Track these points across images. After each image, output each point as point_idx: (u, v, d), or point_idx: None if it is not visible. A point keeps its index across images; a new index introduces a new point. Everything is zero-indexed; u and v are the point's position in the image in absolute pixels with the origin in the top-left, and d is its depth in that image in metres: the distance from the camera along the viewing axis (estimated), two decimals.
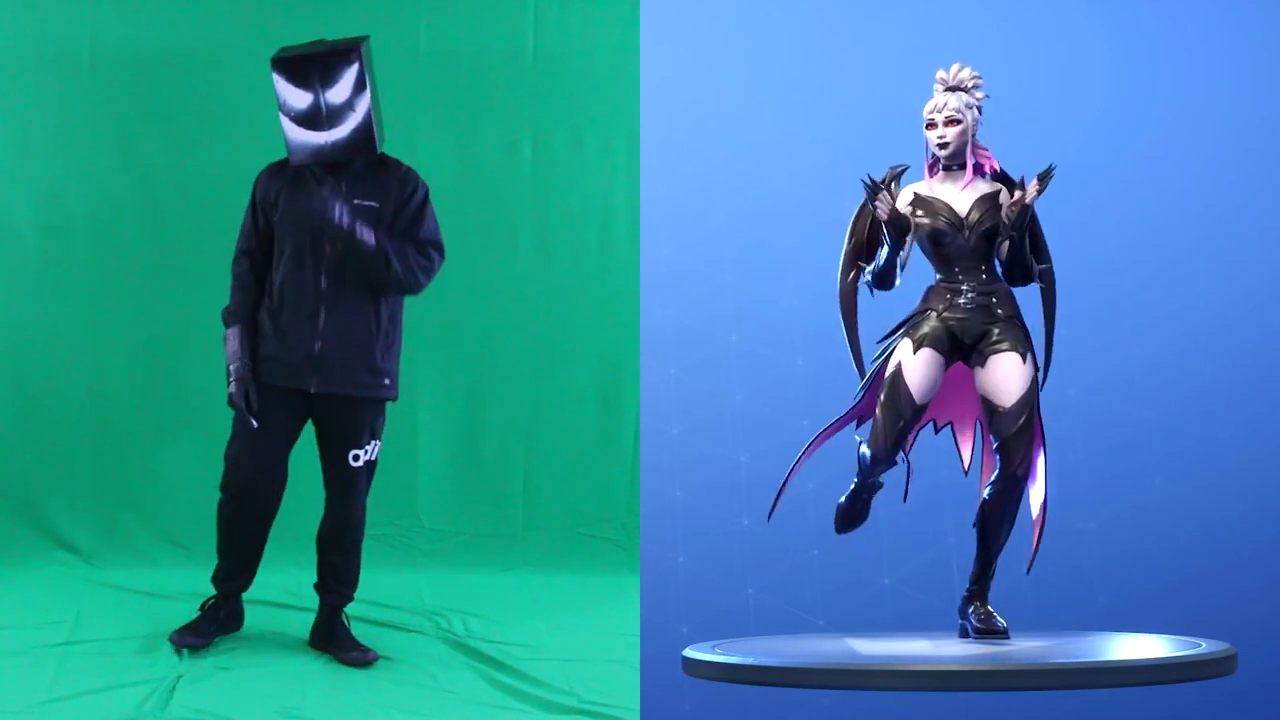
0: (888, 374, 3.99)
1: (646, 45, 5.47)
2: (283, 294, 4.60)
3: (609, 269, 6.02)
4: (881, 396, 3.99)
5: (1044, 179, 3.87)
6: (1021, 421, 3.91)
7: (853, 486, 4.12)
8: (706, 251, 5.43)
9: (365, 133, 4.53)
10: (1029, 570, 3.98)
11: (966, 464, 4.12)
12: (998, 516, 3.97)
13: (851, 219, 4.14)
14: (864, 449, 4.04)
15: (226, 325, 4.64)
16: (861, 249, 4.11)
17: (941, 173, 4.04)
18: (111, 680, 4.45)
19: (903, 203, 4.02)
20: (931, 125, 4.01)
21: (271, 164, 4.70)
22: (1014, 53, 5.34)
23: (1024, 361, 3.95)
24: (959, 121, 3.99)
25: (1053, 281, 4.06)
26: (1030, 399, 3.93)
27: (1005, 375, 3.94)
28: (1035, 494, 3.98)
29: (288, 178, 4.63)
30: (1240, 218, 5.31)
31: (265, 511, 4.69)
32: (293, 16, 5.54)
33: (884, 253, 3.99)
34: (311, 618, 4.96)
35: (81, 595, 5.38)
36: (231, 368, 4.59)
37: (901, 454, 4.05)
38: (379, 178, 4.64)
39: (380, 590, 5.28)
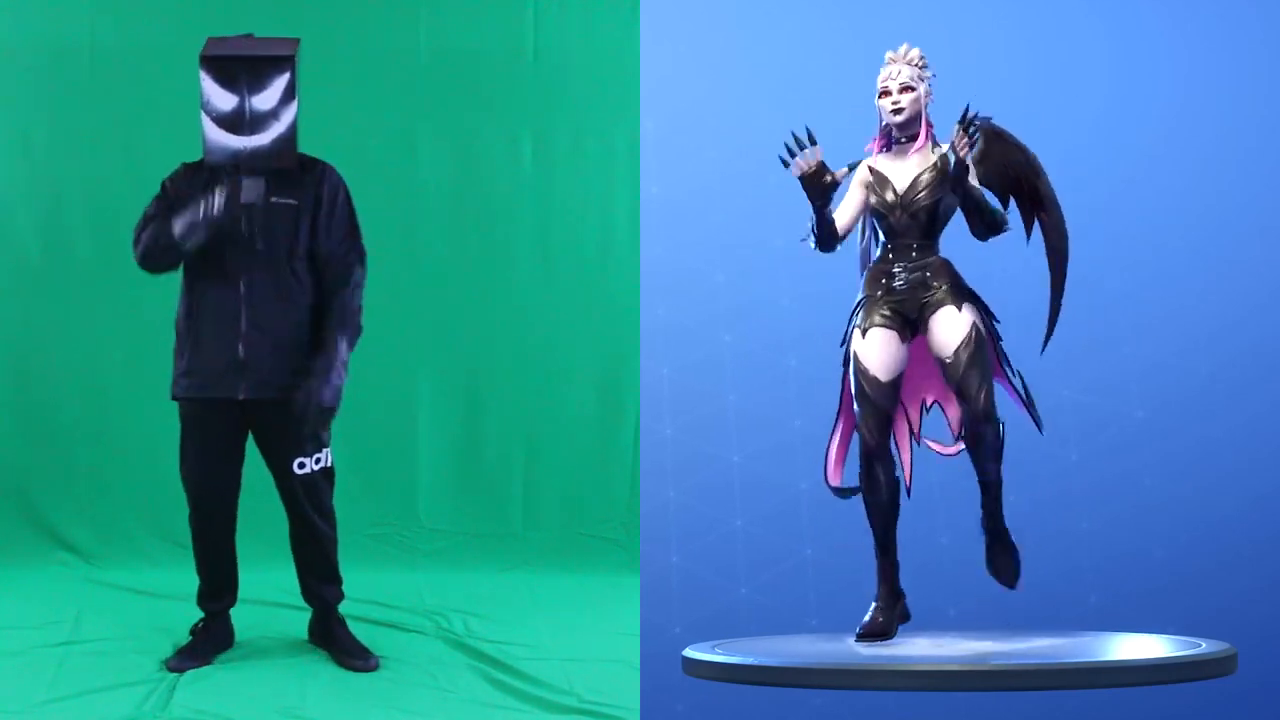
0: (851, 371, 4.02)
1: (646, 45, 5.47)
2: (200, 302, 4.47)
3: (609, 269, 6.02)
4: (853, 393, 4.01)
5: (968, 127, 3.86)
6: (965, 359, 3.91)
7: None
8: (705, 251, 5.43)
9: (287, 143, 4.39)
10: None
11: (956, 431, 4.10)
12: (979, 451, 3.96)
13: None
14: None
15: (173, 214, 4.40)
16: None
17: (893, 147, 4.06)
18: (111, 680, 4.45)
19: (860, 175, 4.06)
20: (885, 93, 4.03)
21: (187, 163, 4.56)
22: (1014, 53, 5.34)
23: (959, 310, 3.95)
24: (912, 89, 4.02)
25: (1063, 234, 4.05)
26: (971, 338, 3.93)
27: (943, 328, 3.96)
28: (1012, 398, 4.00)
29: (201, 178, 4.46)
30: (1240, 218, 5.31)
31: (225, 526, 4.66)
32: (293, 17, 5.54)
33: (814, 220, 4.02)
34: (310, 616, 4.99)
35: (81, 595, 5.38)
36: (211, 203, 4.37)
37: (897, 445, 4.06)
38: (295, 174, 4.48)
39: (380, 590, 5.28)
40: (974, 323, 3.95)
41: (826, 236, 4.05)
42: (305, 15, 5.58)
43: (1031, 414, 4.01)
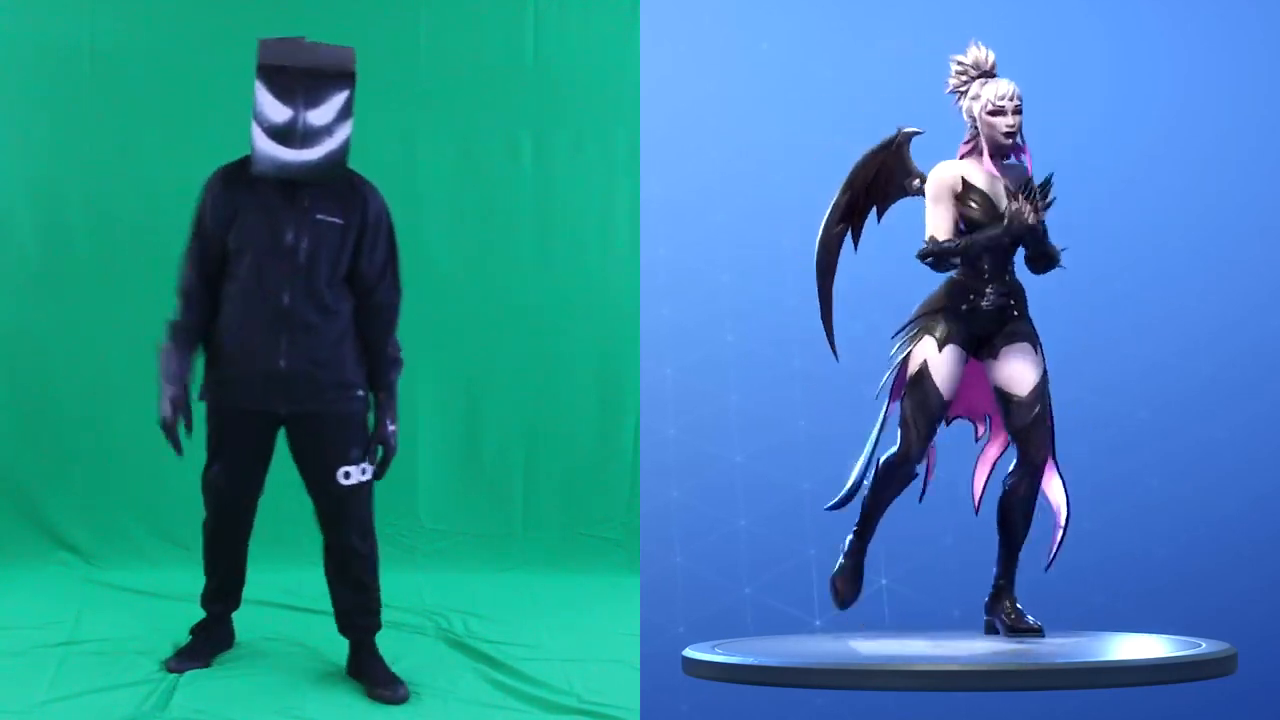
0: (911, 373, 3.96)
1: (646, 45, 5.47)
2: (243, 311, 4.37)
3: (609, 269, 6.02)
4: (908, 399, 3.96)
5: (1037, 192, 3.84)
6: (1037, 410, 3.92)
7: (850, 540, 4.11)
8: (706, 251, 5.43)
9: (338, 161, 4.30)
10: (1048, 568, 3.99)
11: (980, 433, 4.11)
12: (1021, 507, 3.97)
13: (850, 171, 4.08)
14: (883, 458, 4.01)
15: (168, 338, 4.41)
16: (856, 204, 4.06)
17: (974, 158, 3.98)
18: (111, 680, 4.45)
19: (951, 180, 3.93)
20: (1000, 112, 3.92)
21: (225, 169, 4.43)
22: (1014, 53, 5.32)
23: (1035, 352, 3.95)
24: (1022, 111, 3.94)
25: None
26: (1043, 389, 3.94)
27: (1019, 365, 3.94)
28: (1055, 491, 3.98)
29: (244, 186, 4.36)
30: (1240, 218, 5.31)
31: (243, 533, 4.63)
32: (293, 17, 5.53)
33: (983, 246, 3.90)
34: (311, 617, 4.98)
35: (81, 595, 5.38)
36: (166, 388, 4.35)
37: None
38: (343, 193, 4.38)
39: (380, 590, 5.27)
40: (1045, 370, 3.95)
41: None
42: (305, 16, 5.57)
43: (1065, 491, 4.02)
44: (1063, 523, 3.99)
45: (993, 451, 4.09)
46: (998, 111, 3.91)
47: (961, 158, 3.99)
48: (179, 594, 5.25)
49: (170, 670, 4.54)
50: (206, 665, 4.60)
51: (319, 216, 4.34)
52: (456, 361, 6.06)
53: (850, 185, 4.07)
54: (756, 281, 5.38)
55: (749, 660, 3.74)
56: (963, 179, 3.95)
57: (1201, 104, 5.33)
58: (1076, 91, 5.34)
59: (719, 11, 5.57)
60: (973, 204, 3.94)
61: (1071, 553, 4.95)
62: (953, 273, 3.98)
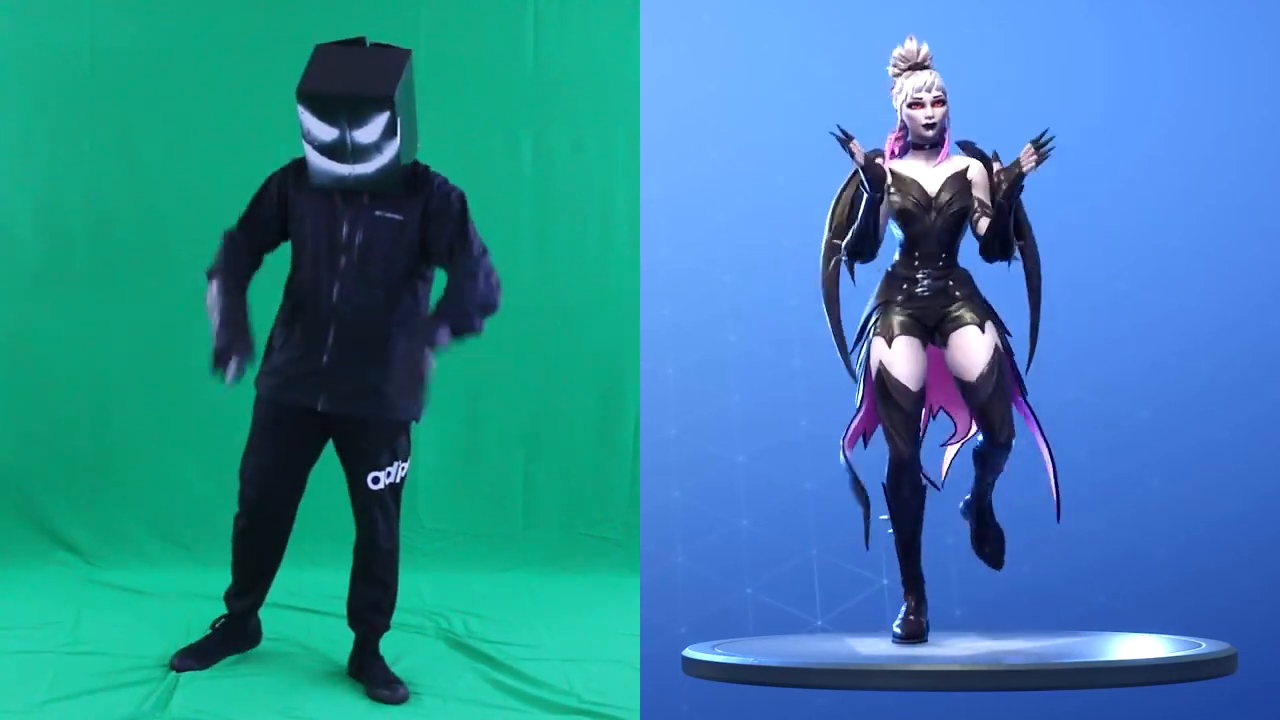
0: (873, 377, 3.98)
1: (646, 45, 5.47)
2: (297, 305, 4.39)
3: (609, 269, 6.02)
4: (880, 405, 3.96)
5: (1041, 147, 3.83)
6: (991, 387, 3.90)
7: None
8: (707, 251, 5.43)
9: (392, 174, 4.29)
10: (1058, 519, 4.00)
11: (970, 433, 4.10)
12: (988, 469, 4.00)
13: (830, 207, 4.11)
14: (884, 482, 4.02)
15: (209, 279, 4.35)
16: (841, 236, 4.07)
17: (911, 150, 4.01)
18: (111, 680, 4.45)
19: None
20: (918, 104, 3.97)
21: (300, 159, 4.41)
22: (1014, 53, 5.35)
23: (983, 331, 3.94)
24: (944, 102, 3.98)
25: (1036, 259, 4.03)
26: (995, 364, 3.91)
27: (967, 349, 3.94)
28: (1041, 451, 3.99)
29: (310, 182, 4.38)
30: (1240, 218, 5.31)
31: (277, 530, 4.56)
32: (294, 17, 5.54)
33: (861, 212, 3.93)
34: (311, 617, 4.98)
35: (81, 595, 5.37)
36: (214, 317, 4.27)
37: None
38: (405, 189, 4.38)
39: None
40: (996, 345, 3.93)
41: (873, 238, 3.96)
42: (305, 17, 5.57)
43: (1045, 444, 4.00)
44: (1051, 471, 3.98)
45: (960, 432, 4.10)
46: (916, 104, 3.97)
47: (892, 153, 4.02)
48: (179, 594, 5.25)
49: (172, 668, 4.54)
50: (205, 667, 4.57)
51: (377, 213, 4.35)
52: (456, 361, 6.04)
53: (833, 218, 4.11)
54: (757, 281, 5.38)
55: (749, 660, 3.74)
56: (891, 173, 3.98)
57: (1201, 104, 5.34)
58: (1076, 91, 5.35)
59: (719, 11, 5.58)
60: (905, 194, 3.95)
61: (1072, 553, 4.96)
62: (889, 266, 4.02)
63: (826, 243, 4.12)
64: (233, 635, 4.67)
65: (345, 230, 4.34)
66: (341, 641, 4.63)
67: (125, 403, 5.86)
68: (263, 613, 4.82)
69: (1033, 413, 4.00)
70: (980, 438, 4.00)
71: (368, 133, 4.25)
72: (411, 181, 4.40)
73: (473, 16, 5.96)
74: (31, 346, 5.86)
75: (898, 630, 3.99)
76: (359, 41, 4.45)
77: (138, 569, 5.64)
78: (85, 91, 5.84)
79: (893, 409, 3.94)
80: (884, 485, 4.00)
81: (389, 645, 4.65)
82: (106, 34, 5.82)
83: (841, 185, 4.11)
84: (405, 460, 4.50)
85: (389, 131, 4.25)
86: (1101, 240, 5.21)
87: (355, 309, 4.34)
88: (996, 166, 3.96)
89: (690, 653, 3.89)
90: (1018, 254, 3.99)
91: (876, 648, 3.95)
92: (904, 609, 4.02)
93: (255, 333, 4.35)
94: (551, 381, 6.07)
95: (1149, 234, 5.29)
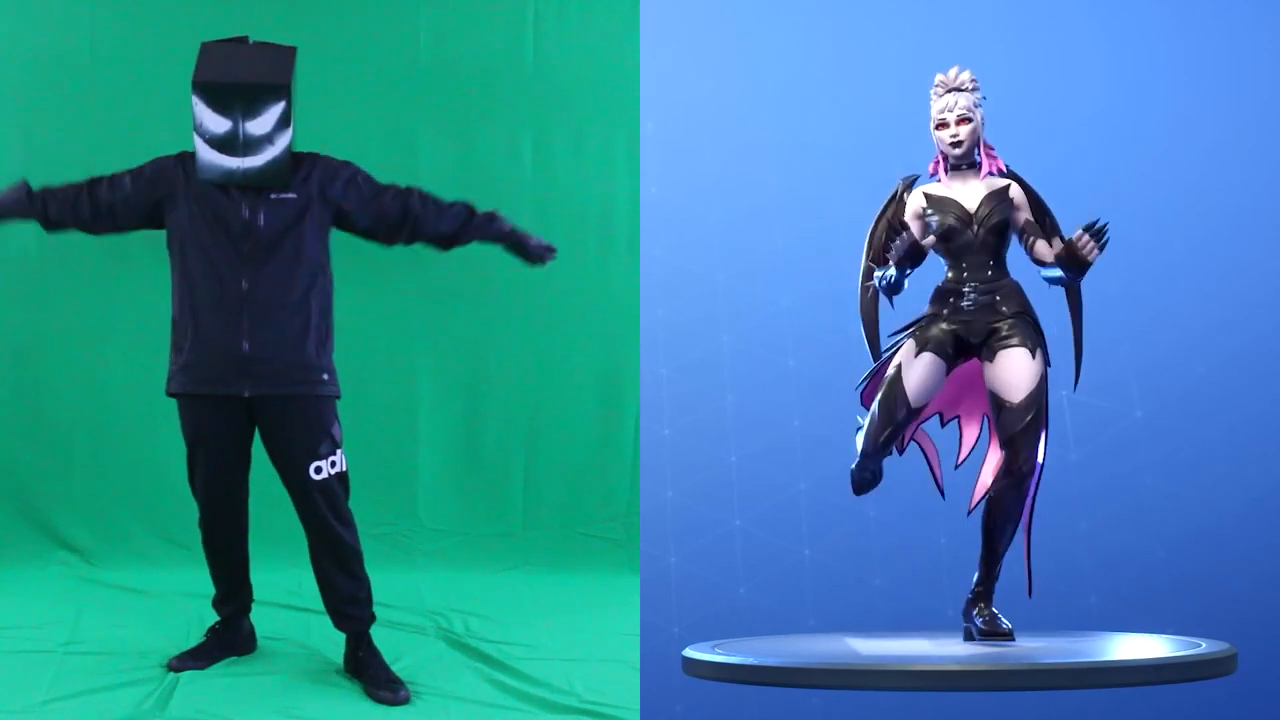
0: (888, 374, 4.01)
1: (646, 45, 5.47)
2: (199, 295, 4.36)
3: (609, 269, 6.02)
4: (879, 394, 4.01)
5: (1099, 237, 3.85)
6: (1029, 418, 3.91)
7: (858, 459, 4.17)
8: (705, 251, 5.43)
9: (281, 166, 4.35)
10: (1029, 593, 3.99)
11: (962, 457, 4.11)
12: (1002, 513, 3.96)
13: (869, 231, 4.16)
14: (857, 439, 4.06)
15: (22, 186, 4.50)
16: (878, 261, 4.11)
17: (950, 172, 4.05)
18: (111, 680, 4.45)
19: (914, 205, 4.05)
20: (943, 125, 4.02)
21: (186, 153, 4.47)
22: (1014, 53, 5.34)
23: (1033, 358, 3.95)
24: (970, 120, 4.01)
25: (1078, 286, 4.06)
26: (1038, 396, 3.93)
27: (1013, 371, 3.94)
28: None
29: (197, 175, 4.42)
30: (1240, 218, 5.31)
31: (235, 531, 4.61)
32: (294, 18, 5.54)
33: (892, 272, 3.97)
34: (311, 617, 4.97)
35: (81, 595, 5.38)
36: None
37: (896, 450, 4.08)
38: (293, 171, 4.42)
39: (380, 590, 5.25)
40: (1043, 374, 3.94)
41: (898, 288, 4.02)
42: (305, 18, 5.58)
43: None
44: (1027, 546, 4.00)
45: (995, 456, 4.08)
46: (940, 125, 4.04)
47: (932, 174, 4.09)
48: (179, 594, 5.25)
49: (171, 669, 4.55)
50: (204, 667, 4.59)
51: (273, 195, 4.38)
52: (456, 361, 6.06)
53: (870, 244, 4.15)
54: (754, 282, 5.38)
55: (748, 660, 3.74)
56: (924, 195, 4.05)
57: (1201, 104, 5.34)
58: (1077, 92, 5.34)
59: (719, 11, 5.57)
60: (945, 213, 4.00)
61: (1071, 553, 4.96)
62: (939, 281, 4.06)
63: (865, 269, 4.16)
64: (228, 641, 4.71)
65: (246, 216, 4.36)
66: (341, 640, 4.62)
67: (125, 403, 5.86)
68: (260, 613, 4.83)
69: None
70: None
71: (261, 124, 4.31)
72: (292, 163, 4.42)
73: (473, 16, 5.96)
74: (32, 347, 5.86)
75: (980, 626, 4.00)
76: (243, 39, 4.52)
77: (138, 569, 5.64)
78: (85, 92, 5.84)
79: (885, 411, 3.99)
80: (850, 472, 4.10)
81: (389, 645, 4.65)
82: (106, 34, 5.82)
83: (880, 210, 4.15)
84: (341, 446, 4.46)
85: (283, 122, 4.32)
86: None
87: (268, 291, 4.35)
88: (1016, 192, 4.00)
89: (690, 652, 3.90)
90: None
91: (876, 648, 3.95)
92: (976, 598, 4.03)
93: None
94: (551, 381, 6.07)
95: (1149, 234, 5.29)
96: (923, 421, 4.12)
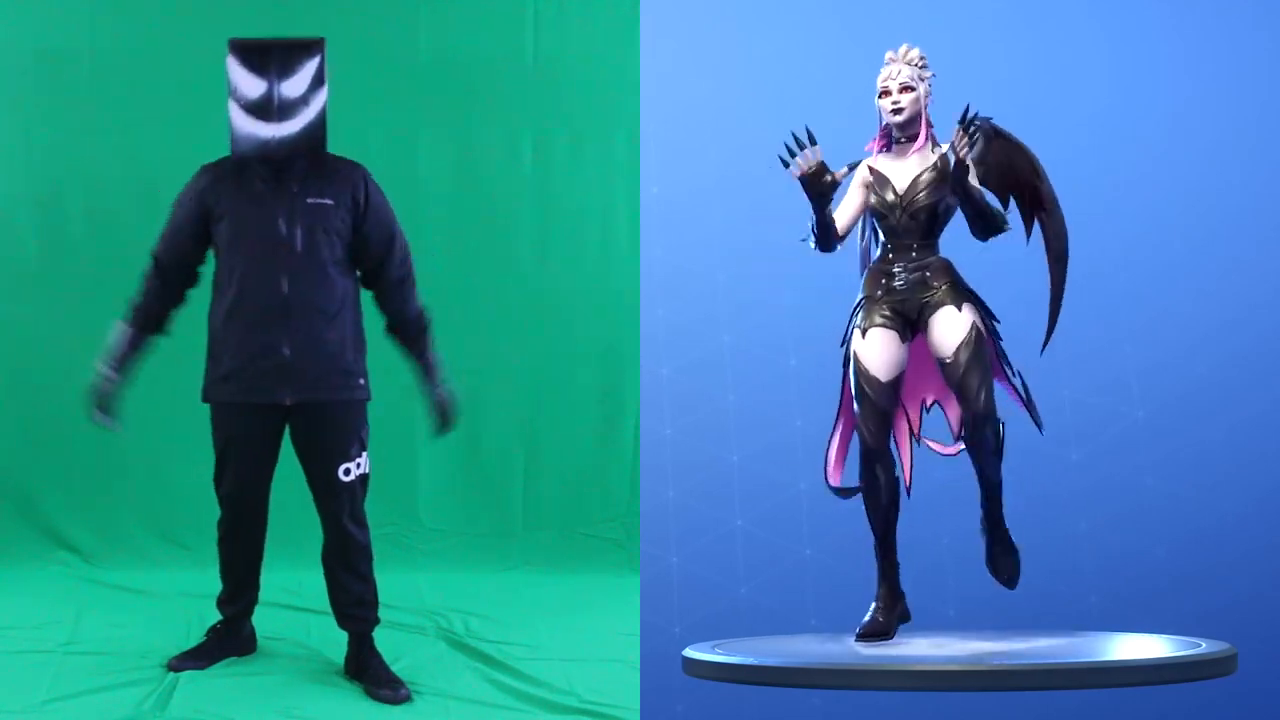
0: (851, 371, 4.02)
1: (646, 45, 5.47)
2: (239, 304, 4.37)
3: (609, 269, 6.02)
4: (856, 396, 4.01)
5: (969, 128, 3.84)
6: (965, 359, 3.91)
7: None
8: (705, 251, 5.43)
9: (317, 130, 4.33)
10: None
11: (957, 432, 4.10)
12: (979, 452, 3.96)
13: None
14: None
15: (125, 319, 4.50)
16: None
17: (894, 147, 4.06)
18: (111, 680, 4.45)
19: (860, 176, 4.07)
20: (885, 93, 4.03)
21: (210, 166, 4.47)
22: (1014, 53, 5.35)
23: (959, 310, 3.96)
24: (912, 89, 4.02)
25: (1059, 231, 4.04)
26: (970, 339, 3.93)
27: (942, 329, 3.96)
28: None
29: (232, 181, 4.40)
30: (1241, 218, 5.31)
31: (259, 530, 4.62)
32: (293, 18, 5.54)
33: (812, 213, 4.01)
34: (311, 617, 4.97)
35: (81, 595, 5.38)
36: (101, 367, 4.45)
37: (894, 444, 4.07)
38: (327, 174, 4.41)
39: (380, 590, 5.27)
40: (974, 322, 3.95)
41: (826, 237, 4.05)
42: (306, 18, 5.57)
43: (1032, 414, 4.01)
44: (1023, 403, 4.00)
45: (954, 412, 4.07)
46: (883, 93, 4.05)
47: (868, 150, 4.10)
48: (179, 594, 5.26)
49: (171, 669, 4.55)
50: (204, 667, 4.59)
51: (309, 200, 4.37)
52: (456, 362, 6.05)
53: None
54: (754, 282, 5.38)
55: (749, 660, 3.74)
56: (869, 168, 4.07)
57: (1201, 104, 5.34)
58: (1076, 91, 5.34)
59: (719, 11, 5.57)
60: (879, 194, 4.03)
61: (1071, 553, 4.96)
62: (871, 263, 4.09)
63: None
64: (229, 641, 4.70)
65: (283, 222, 4.35)
66: (341, 641, 4.63)
67: (125, 403, 5.85)
68: (261, 613, 4.83)
69: (1022, 392, 3.99)
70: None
71: (296, 83, 4.31)
72: (333, 164, 4.43)
73: (473, 16, 5.97)
74: (32, 347, 5.86)
75: (860, 628, 4.00)
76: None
77: (138, 569, 5.65)
78: (85, 92, 5.84)
79: (862, 399, 3.99)
80: (860, 477, 4.03)
81: (389, 645, 4.65)
82: (107, 35, 5.82)
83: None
84: (367, 449, 4.50)
85: (317, 80, 4.32)
86: (1101, 240, 5.20)
87: (308, 298, 4.35)
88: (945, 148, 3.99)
89: (690, 653, 3.89)
90: (1009, 228, 4.00)
91: (876, 648, 3.94)
92: (873, 605, 4.03)
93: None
94: (551, 381, 6.08)
95: (1149, 234, 5.29)
96: (901, 409, 4.09)
